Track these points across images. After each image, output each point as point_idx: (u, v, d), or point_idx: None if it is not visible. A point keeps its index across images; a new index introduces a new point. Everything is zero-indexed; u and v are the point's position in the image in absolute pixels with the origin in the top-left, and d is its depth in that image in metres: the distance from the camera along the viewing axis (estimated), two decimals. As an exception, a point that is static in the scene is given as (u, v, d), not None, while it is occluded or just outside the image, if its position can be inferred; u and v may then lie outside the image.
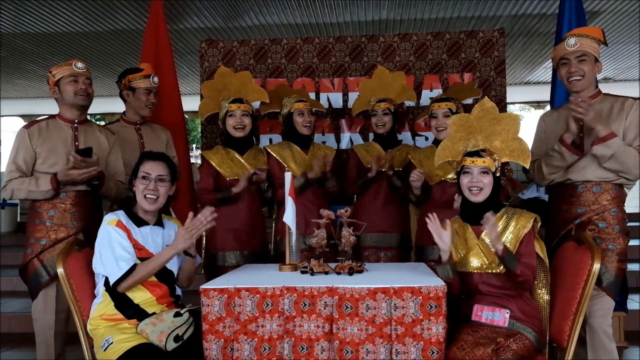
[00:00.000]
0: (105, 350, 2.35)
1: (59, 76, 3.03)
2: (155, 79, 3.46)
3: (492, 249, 2.40)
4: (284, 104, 3.56)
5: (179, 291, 2.65)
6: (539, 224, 2.51)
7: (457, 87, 3.79)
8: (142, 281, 2.45)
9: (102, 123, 3.62)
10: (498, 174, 2.52)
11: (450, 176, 3.19)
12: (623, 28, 6.93)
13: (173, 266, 2.58)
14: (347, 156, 4.03)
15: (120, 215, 2.55)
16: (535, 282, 2.55)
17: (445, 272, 2.42)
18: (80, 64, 3.07)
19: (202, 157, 3.50)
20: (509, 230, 2.46)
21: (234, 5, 6.12)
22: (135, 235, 2.53)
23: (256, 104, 3.73)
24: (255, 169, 3.30)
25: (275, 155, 3.48)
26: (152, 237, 2.56)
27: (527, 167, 2.57)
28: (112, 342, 2.35)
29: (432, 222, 2.43)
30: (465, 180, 2.51)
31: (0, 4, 5.73)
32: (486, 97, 2.66)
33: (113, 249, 2.44)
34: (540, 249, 2.55)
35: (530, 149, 2.62)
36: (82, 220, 3.03)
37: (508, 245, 2.43)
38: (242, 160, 3.38)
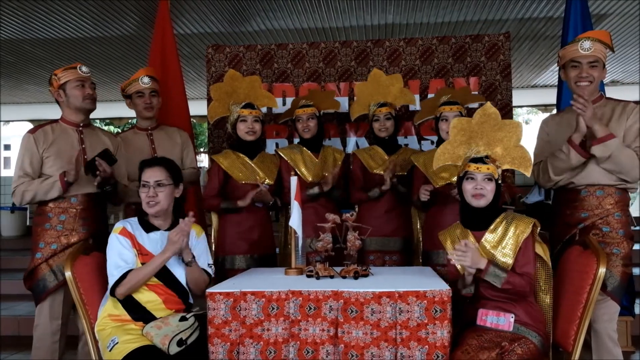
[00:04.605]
0: (110, 350, 2.39)
1: (65, 80, 3.05)
2: (145, 79, 3.47)
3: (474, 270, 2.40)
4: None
5: (191, 299, 2.67)
6: (539, 228, 2.51)
7: (458, 92, 3.63)
8: (138, 286, 2.48)
9: (112, 128, 3.66)
10: (500, 181, 2.53)
11: (455, 178, 3.20)
12: (630, 30, 6.90)
13: (180, 274, 2.60)
14: (350, 161, 4.02)
15: (129, 222, 2.60)
16: (539, 285, 2.56)
17: (469, 290, 2.44)
18: (84, 68, 3.09)
19: (212, 161, 3.52)
20: (508, 235, 2.47)
21: (240, 11, 6.15)
22: (142, 241, 2.56)
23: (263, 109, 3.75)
24: (262, 184, 3.32)
25: (285, 158, 3.52)
26: (162, 243, 2.58)
27: (528, 175, 2.57)
28: (117, 342, 2.38)
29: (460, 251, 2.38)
30: (468, 186, 2.51)
31: (9, 10, 5.79)
32: (488, 102, 2.65)
33: (111, 257, 2.51)
34: (543, 252, 2.55)
35: (533, 152, 2.62)
36: (92, 225, 3.06)
37: (508, 250, 2.44)
38: (252, 164, 3.41)
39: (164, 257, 2.50)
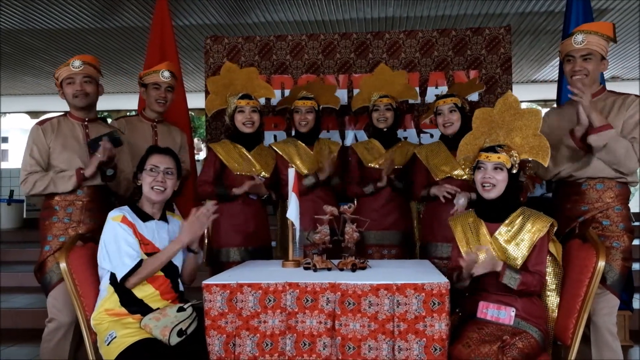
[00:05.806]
0: (108, 345, 2.36)
1: (61, 78, 3.06)
2: (165, 74, 3.43)
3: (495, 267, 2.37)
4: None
5: (182, 287, 2.66)
6: (555, 229, 2.49)
7: (458, 86, 3.66)
8: (149, 277, 2.47)
9: (109, 120, 3.62)
10: (514, 171, 2.49)
11: (456, 172, 3.19)
12: (631, 26, 6.87)
13: (178, 261, 2.60)
14: (348, 155, 4.00)
15: (125, 210, 2.56)
16: (547, 284, 2.54)
17: (463, 284, 2.43)
18: (77, 62, 3.05)
19: (208, 149, 3.50)
20: (524, 231, 2.44)
21: (239, 2, 6.13)
22: (141, 230, 2.54)
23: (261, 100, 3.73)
24: (258, 176, 3.31)
25: (280, 152, 3.49)
26: (157, 232, 2.58)
27: (546, 165, 2.54)
28: (115, 337, 2.35)
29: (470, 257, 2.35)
30: (478, 175, 2.49)
31: (8, 0, 5.75)
32: (509, 90, 2.64)
33: (119, 245, 2.45)
34: (556, 251, 2.53)
35: None
36: (98, 216, 3.02)
37: (522, 247, 2.42)
38: (249, 156, 3.39)
39: (178, 246, 2.51)
